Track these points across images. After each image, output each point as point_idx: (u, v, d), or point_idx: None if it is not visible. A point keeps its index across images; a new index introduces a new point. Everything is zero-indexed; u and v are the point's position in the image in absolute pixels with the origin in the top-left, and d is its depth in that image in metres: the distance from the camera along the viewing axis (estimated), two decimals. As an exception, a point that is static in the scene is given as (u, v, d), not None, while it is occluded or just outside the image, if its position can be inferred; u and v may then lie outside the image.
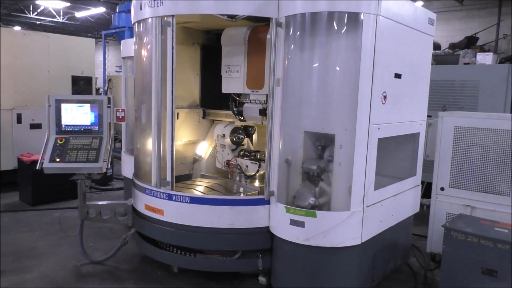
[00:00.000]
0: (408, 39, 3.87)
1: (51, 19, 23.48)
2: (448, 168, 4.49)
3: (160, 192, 3.90)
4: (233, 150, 4.95)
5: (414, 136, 4.31)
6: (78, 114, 4.35)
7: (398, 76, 3.74)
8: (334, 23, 3.33)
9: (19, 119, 7.28)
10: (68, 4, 19.54)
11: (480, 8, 16.47)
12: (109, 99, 4.39)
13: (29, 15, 22.01)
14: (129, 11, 11.23)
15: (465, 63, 7.72)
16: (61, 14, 22.85)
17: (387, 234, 3.96)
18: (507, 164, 4.17)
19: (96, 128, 4.36)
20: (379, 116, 3.53)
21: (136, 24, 4.21)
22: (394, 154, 4.06)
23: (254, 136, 5.25)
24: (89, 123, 4.36)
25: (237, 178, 4.83)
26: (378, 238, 3.80)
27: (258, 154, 4.83)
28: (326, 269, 3.55)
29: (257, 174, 4.62)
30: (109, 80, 9.07)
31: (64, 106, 4.32)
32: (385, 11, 3.37)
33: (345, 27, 3.33)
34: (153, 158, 3.96)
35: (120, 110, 4.49)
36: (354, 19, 3.29)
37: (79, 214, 4.37)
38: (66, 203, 6.53)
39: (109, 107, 4.37)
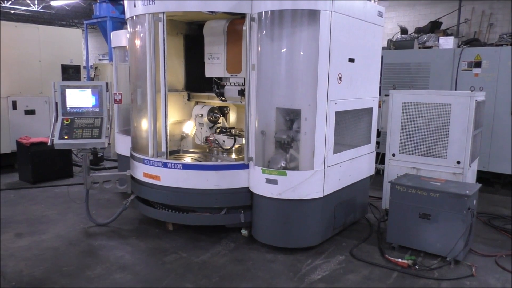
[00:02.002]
0: (360, 30, 4.66)
1: (25, 8, 23.48)
2: (398, 137, 5.33)
3: (157, 161, 4.63)
4: (210, 128, 5.64)
5: (368, 111, 5.14)
6: (81, 98, 5.02)
7: (351, 60, 4.54)
8: (297, 18, 4.10)
9: (14, 106, 7.82)
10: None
11: (443, -7, 17.40)
12: (107, 84, 5.06)
13: (3, 4, 21.96)
14: (110, 0, 11.71)
15: (425, 47, 8.58)
16: (36, 3, 22.88)
17: (346, 191, 4.81)
18: (445, 132, 5.04)
19: (97, 109, 5.03)
20: (335, 93, 4.33)
21: (130, 19, 4.87)
22: (352, 125, 4.89)
23: (231, 115, 5.91)
24: (91, 105, 5.03)
25: (215, 152, 5.51)
26: (338, 194, 4.64)
27: (233, 130, 5.53)
28: (295, 218, 4.36)
29: (233, 148, 5.30)
30: (96, 68, 9.60)
31: (68, 91, 4.98)
32: (338, 7, 4.15)
33: (306, 21, 4.10)
34: (150, 133, 4.68)
35: (118, 93, 5.15)
36: (313, 15, 4.06)
37: (84, 184, 5.05)
38: (63, 181, 7.20)
39: (108, 91, 5.05)
